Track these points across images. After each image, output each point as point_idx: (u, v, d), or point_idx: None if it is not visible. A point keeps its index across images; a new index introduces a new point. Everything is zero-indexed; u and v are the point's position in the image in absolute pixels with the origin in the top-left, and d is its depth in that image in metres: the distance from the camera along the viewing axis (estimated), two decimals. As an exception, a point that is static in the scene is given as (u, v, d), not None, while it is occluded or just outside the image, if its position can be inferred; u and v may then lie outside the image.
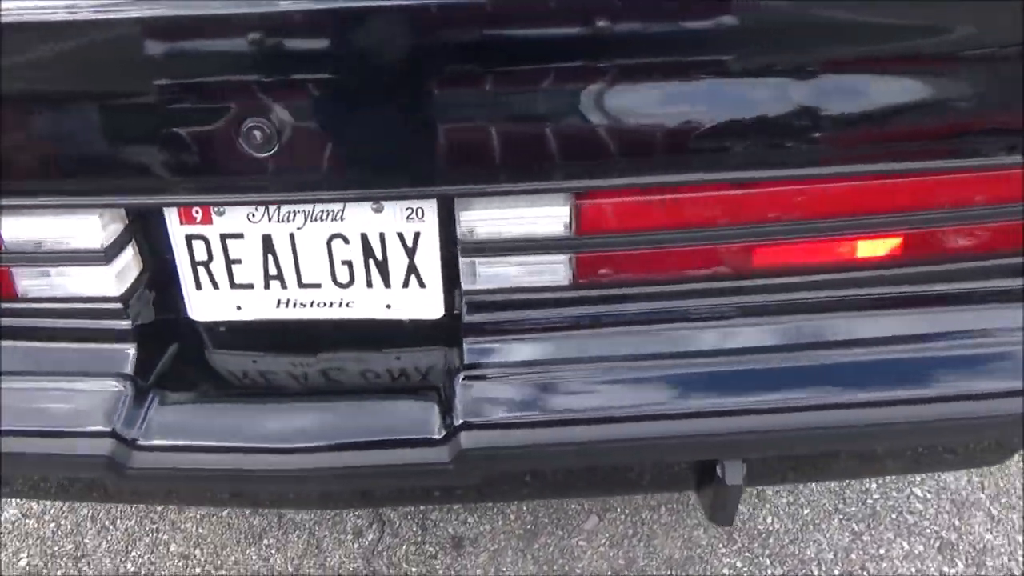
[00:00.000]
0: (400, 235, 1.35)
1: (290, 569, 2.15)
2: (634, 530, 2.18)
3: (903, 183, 1.25)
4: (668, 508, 2.22)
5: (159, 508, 2.27)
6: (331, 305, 1.43)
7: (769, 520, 2.19)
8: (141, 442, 1.30)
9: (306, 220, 1.35)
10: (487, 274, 1.32)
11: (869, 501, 2.23)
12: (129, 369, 1.37)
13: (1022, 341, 1.32)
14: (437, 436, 1.27)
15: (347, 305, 1.43)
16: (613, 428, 1.26)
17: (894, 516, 2.19)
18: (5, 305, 1.37)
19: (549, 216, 1.26)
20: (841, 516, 2.19)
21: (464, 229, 1.28)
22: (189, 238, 1.37)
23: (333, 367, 1.45)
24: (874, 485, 2.26)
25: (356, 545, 2.19)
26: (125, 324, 1.37)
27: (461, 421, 1.27)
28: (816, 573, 2.08)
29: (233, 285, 1.41)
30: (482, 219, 1.27)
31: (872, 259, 1.32)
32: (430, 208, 1.32)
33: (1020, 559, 2.08)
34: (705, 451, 1.31)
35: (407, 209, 1.33)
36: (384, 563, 2.14)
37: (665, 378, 1.28)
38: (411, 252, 1.36)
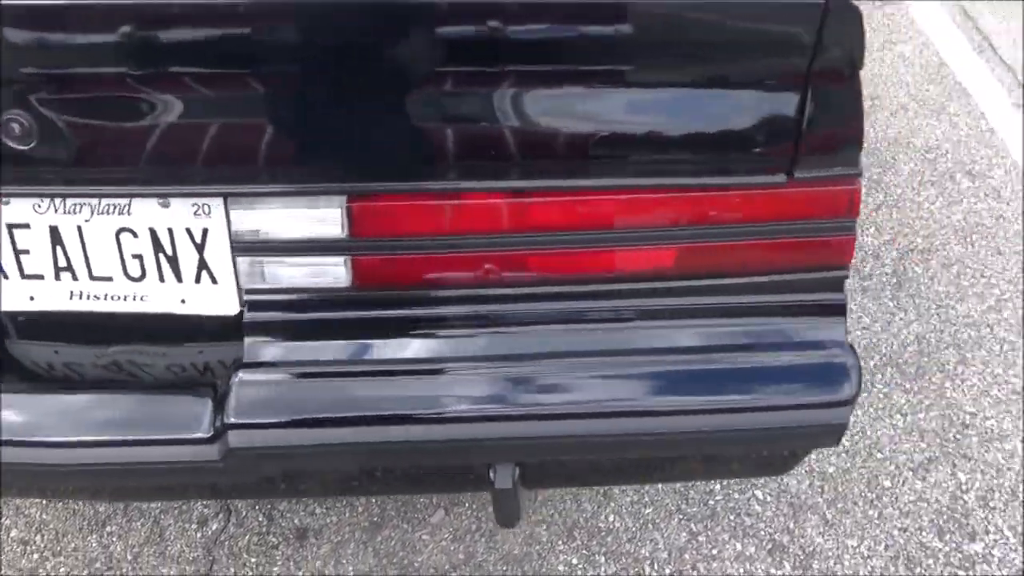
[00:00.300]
0: (188, 231, 1.35)
1: (129, 557, 2.14)
2: (478, 525, 2.21)
3: (674, 198, 1.28)
4: (513, 504, 2.24)
5: (4, 492, 2.25)
6: (125, 299, 1.42)
7: (611, 518, 2.23)
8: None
9: (93, 213, 1.34)
10: (266, 273, 1.33)
11: (711, 502, 2.27)
12: None
13: (795, 356, 1.36)
14: (207, 434, 1.28)
15: (141, 299, 1.42)
16: (379, 430, 1.28)
17: (732, 517, 2.24)
18: None
19: (323, 218, 1.27)
20: (681, 516, 2.24)
21: (238, 228, 1.29)
22: (-25, 227, 1.36)
23: (128, 361, 1.45)
24: (718, 487, 2.30)
25: (199, 534, 2.18)
26: None
27: (231, 420, 1.28)
28: (648, 572, 2.12)
29: (23, 276, 1.40)
30: (256, 219, 1.28)
31: (648, 271, 1.34)
32: (217, 204, 1.32)
33: (846, 562, 2.14)
34: (470, 455, 1.33)
35: (194, 205, 1.32)
36: (225, 552, 2.14)
37: (433, 383, 1.30)
38: (200, 248, 1.36)
